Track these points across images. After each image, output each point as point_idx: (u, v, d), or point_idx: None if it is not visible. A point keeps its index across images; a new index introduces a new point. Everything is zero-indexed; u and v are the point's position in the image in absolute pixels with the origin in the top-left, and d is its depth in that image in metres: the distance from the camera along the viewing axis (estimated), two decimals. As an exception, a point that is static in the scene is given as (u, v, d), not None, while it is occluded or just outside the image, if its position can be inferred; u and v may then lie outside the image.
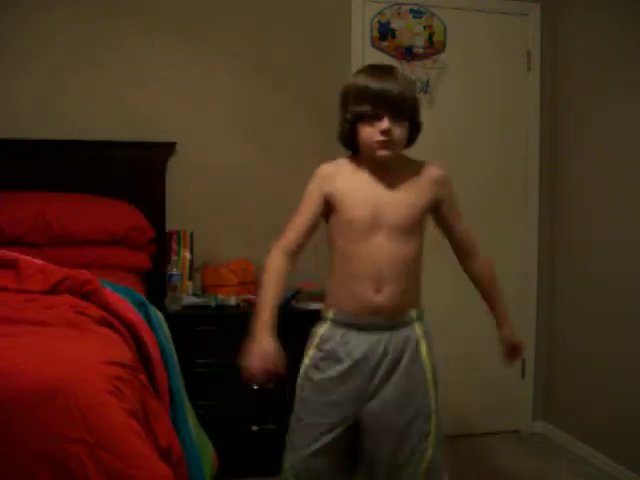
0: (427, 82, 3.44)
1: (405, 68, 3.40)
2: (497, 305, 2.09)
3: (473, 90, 3.50)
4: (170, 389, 1.90)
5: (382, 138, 1.79)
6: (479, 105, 3.51)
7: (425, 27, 3.43)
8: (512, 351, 2.07)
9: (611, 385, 3.08)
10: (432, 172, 1.93)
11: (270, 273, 1.87)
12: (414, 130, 1.89)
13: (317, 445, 1.89)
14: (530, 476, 3.12)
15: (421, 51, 3.43)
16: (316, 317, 2.07)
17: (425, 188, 1.91)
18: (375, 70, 1.85)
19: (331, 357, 1.90)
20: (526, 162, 3.58)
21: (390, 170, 1.88)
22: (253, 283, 3.15)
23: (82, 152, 3.05)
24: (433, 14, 3.43)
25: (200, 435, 2.03)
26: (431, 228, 2.05)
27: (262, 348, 1.77)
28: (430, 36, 3.43)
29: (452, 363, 3.50)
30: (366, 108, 1.78)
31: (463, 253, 2.06)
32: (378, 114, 1.78)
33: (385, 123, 1.78)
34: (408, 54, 3.41)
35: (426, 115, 3.39)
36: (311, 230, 1.91)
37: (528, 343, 3.61)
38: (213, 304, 2.91)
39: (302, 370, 1.96)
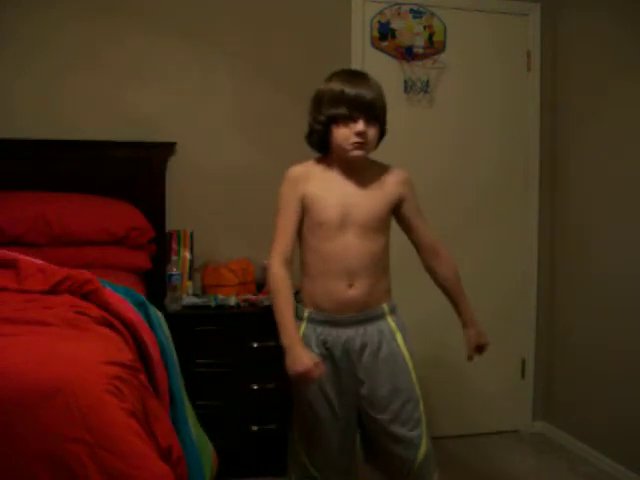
0: (427, 82, 3.43)
1: (405, 68, 3.40)
2: (463, 305, 2.10)
3: (473, 90, 3.50)
4: (170, 389, 1.90)
5: (357, 139, 1.88)
6: (479, 105, 3.51)
7: (425, 27, 3.43)
8: (477, 349, 2.11)
9: (611, 385, 3.08)
10: (396, 173, 2.03)
11: (279, 287, 1.93)
12: (381, 135, 1.97)
13: (330, 442, 2.01)
14: (530, 476, 3.12)
15: (421, 51, 3.43)
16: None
17: (390, 188, 2.00)
18: (349, 76, 1.94)
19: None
20: (526, 162, 3.58)
21: (358, 171, 1.97)
22: (253, 283, 3.16)
23: (82, 152, 3.05)
24: (433, 14, 3.43)
25: (200, 435, 2.02)
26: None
27: (306, 363, 1.85)
28: (430, 36, 3.43)
29: (452, 363, 3.51)
30: (342, 110, 1.86)
31: (426, 250, 2.09)
32: (354, 116, 1.86)
33: (360, 125, 1.87)
34: (408, 54, 3.41)
35: (426, 115, 3.46)
36: (298, 232, 1.98)
37: (528, 343, 3.62)
38: (213, 304, 2.91)
39: None
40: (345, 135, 1.88)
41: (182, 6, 3.18)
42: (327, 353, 1.97)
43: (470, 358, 2.11)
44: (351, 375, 1.98)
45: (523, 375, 3.63)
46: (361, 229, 1.94)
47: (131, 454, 1.32)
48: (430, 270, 2.10)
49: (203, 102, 3.24)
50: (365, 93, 1.87)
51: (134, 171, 3.09)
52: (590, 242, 3.26)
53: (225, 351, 2.87)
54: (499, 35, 3.52)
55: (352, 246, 1.93)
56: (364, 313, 1.97)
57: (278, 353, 2.84)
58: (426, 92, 3.44)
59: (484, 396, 3.57)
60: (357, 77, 1.93)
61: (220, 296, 2.96)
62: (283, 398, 2.85)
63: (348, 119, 1.87)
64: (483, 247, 3.55)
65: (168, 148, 3.16)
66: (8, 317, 1.66)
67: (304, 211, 1.97)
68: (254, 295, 3.05)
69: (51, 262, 2.14)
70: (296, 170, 2.00)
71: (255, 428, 2.88)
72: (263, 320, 2.93)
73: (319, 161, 2.02)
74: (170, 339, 2.16)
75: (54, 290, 1.93)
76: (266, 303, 2.93)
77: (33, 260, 2.11)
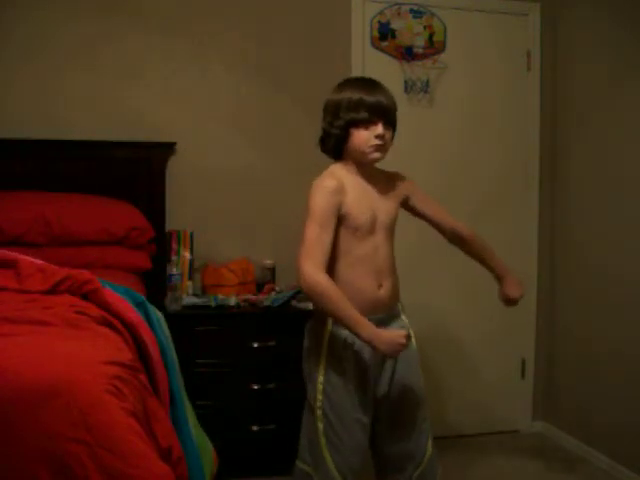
0: (427, 82, 3.43)
1: (405, 68, 3.40)
2: (493, 262, 2.23)
3: (473, 90, 3.50)
4: (170, 389, 1.90)
5: (377, 142, 1.95)
6: (479, 105, 3.51)
7: (425, 27, 3.43)
8: (507, 302, 2.23)
9: (611, 385, 3.08)
10: (399, 177, 2.15)
11: (330, 291, 1.84)
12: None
13: (358, 444, 2.02)
14: (530, 476, 3.12)
15: (421, 51, 3.43)
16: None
17: (398, 190, 2.11)
18: (365, 83, 2.03)
19: (345, 361, 1.98)
20: (526, 162, 3.58)
21: (374, 177, 2.05)
22: (253, 283, 3.16)
23: (82, 152, 3.05)
24: (433, 14, 3.43)
25: (200, 435, 2.03)
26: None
27: (400, 334, 1.89)
28: (430, 36, 3.43)
29: (452, 363, 3.52)
30: (363, 114, 1.93)
31: (450, 238, 2.22)
32: (373, 120, 1.94)
33: (380, 128, 1.94)
34: (408, 54, 3.41)
35: (426, 115, 3.46)
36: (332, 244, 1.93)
37: (528, 343, 3.62)
38: (213, 304, 2.91)
39: (321, 377, 2.01)
40: (365, 138, 1.95)
41: (182, 6, 3.18)
42: (352, 355, 1.98)
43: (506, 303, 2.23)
44: (376, 375, 2.03)
45: (523, 375, 3.63)
46: (386, 231, 2.03)
47: (131, 454, 1.32)
48: (454, 237, 2.22)
49: (203, 102, 3.23)
50: (382, 99, 1.96)
51: (134, 171, 3.09)
52: (590, 242, 3.26)
53: (225, 351, 2.87)
54: (499, 35, 3.52)
55: (380, 247, 2.01)
56: (389, 312, 2.04)
57: (278, 353, 2.87)
58: (426, 92, 3.44)
59: (484, 396, 3.56)
60: (373, 85, 2.01)
61: (220, 296, 2.96)
62: (283, 398, 2.87)
63: (368, 122, 1.94)
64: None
65: (168, 148, 3.16)
66: (8, 317, 1.66)
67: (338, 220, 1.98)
68: (254, 295, 3.05)
69: (51, 262, 2.14)
70: (333, 183, 1.93)
71: (255, 428, 2.88)
72: (263, 320, 2.94)
73: (342, 168, 2.01)
74: (170, 339, 2.16)
75: (54, 290, 1.94)
76: (266, 303, 2.93)
77: (33, 260, 2.11)
